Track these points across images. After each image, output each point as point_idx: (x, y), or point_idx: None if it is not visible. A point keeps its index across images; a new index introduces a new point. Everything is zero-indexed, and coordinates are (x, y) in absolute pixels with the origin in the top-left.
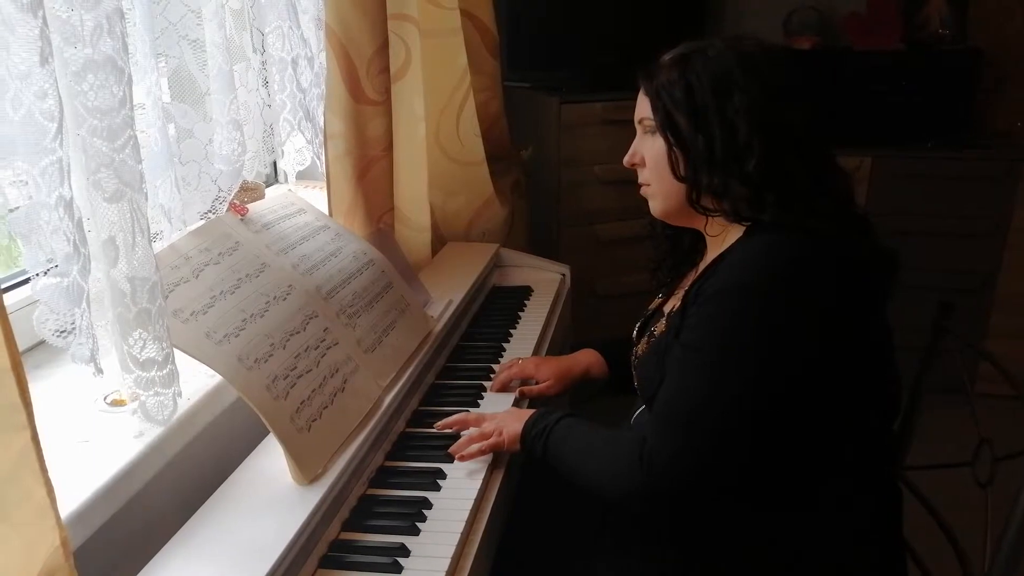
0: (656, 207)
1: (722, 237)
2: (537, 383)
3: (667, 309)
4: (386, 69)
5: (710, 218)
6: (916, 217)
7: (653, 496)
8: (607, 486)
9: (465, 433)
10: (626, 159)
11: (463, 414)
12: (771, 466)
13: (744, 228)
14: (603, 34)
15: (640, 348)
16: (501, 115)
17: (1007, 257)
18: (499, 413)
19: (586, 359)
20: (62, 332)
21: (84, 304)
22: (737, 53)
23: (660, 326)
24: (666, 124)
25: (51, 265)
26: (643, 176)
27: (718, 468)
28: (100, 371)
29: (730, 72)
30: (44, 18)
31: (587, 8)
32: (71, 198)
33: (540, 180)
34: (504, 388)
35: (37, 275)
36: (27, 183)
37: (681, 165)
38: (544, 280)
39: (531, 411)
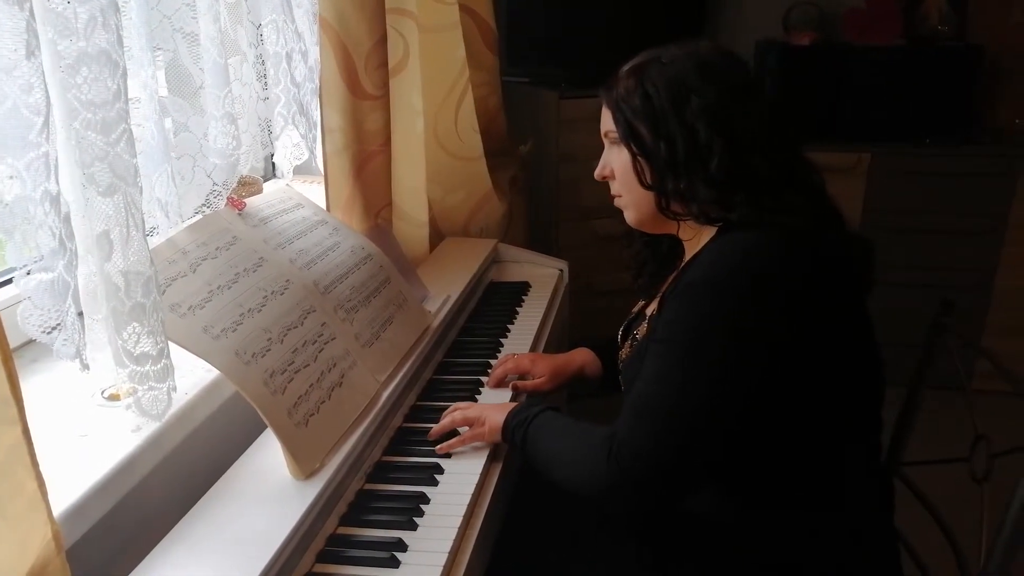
0: (630, 217)
1: (697, 240)
2: (533, 379)
3: (649, 312)
4: (384, 64)
5: (682, 222)
6: (914, 214)
7: (617, 488)
8: (577, 479)
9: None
10: (596, 172)
11: (450, 411)
12: (758, 462)
13: (716, 229)
14: (602, 29)
15: (624, 351)
16: (500, 110)
17: (1005, 254)
18: (486, 404)
19: (581, 358)
20: (48, 328)
21: (70, 300)
22: (692, 58)
23: (642, 329)
24: (628, 134)
25: (36, 260)
26: (614, 188)
27: (685, 463)
28: (86, 367)
29: (686, 77)
30: (31, 10)
31: (586, 3)
32: (57, 193)
33: (539, 176)
34: (500, 384)
35: (21, 270)
36: (12, 178)
37: (647, 173)
38: (542, 275)
39: (516, 403)
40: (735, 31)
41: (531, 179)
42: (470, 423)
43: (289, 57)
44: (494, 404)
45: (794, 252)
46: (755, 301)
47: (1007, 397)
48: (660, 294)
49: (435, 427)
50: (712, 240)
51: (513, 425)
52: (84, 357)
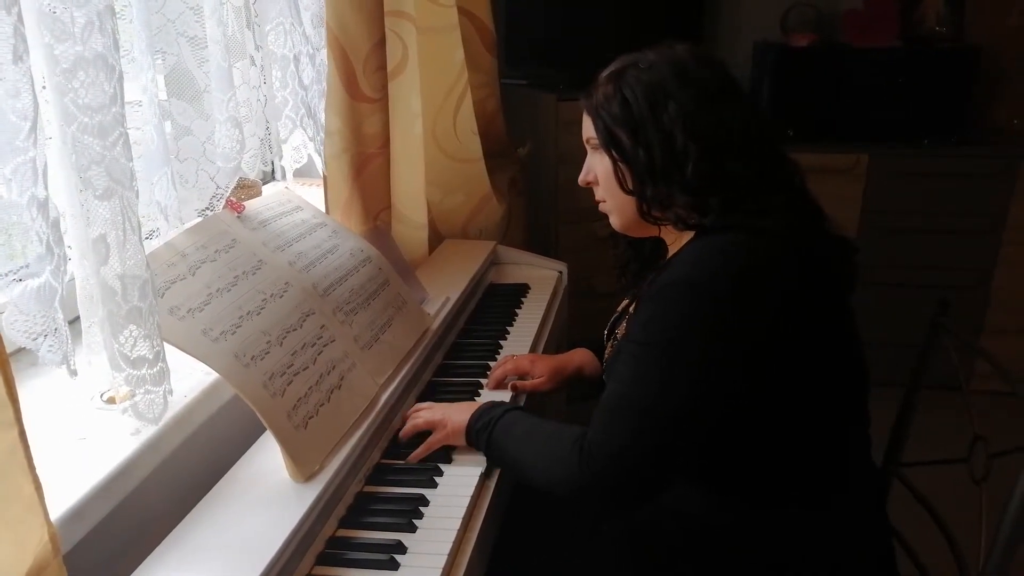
0: (615, 222)
1: (678, 242)
2: (532, 379)
3: (632, 311)
4: (383, 66)
5: (664, 226)
6: (912, 214)
7: (589, 489)
8: (545, 478)
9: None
10: (580, 178)
11: (412, 413)
12: (749, 462)
13: (695, 232)
14: (601, 31)
15: (607, 351)
16: (498, 112)
17: (1003, 254)
18: (448, 404)
19: (579, 358)
20: (34, 334)
21: (57, 305)
22: (669, 62)
23: (623, 328)
24: (608, 141)
25: (23, 266)
26: (598, 193)
27: (660, 463)
28: (74, 373)
29: (663, 81)
30: (19, 15)
31: (585, 5)
32: (45, 198)
33: (537, 177)
34: (500, 385)
35: (6, 276)
36: None
37: (628, 179)
38: (541, 277)
39: (479, 404)
40: (733, 32)
41: (530, 181)
42: (433, 426)
43: (297, 60)
44: (456, 404)
45: (771, 253)
46: (731, 302)
47: (1005, 397)
48: (639, 295)
49: (401, 432)
50: (688, 243)
51: (477, 428)
52: (72, 363)
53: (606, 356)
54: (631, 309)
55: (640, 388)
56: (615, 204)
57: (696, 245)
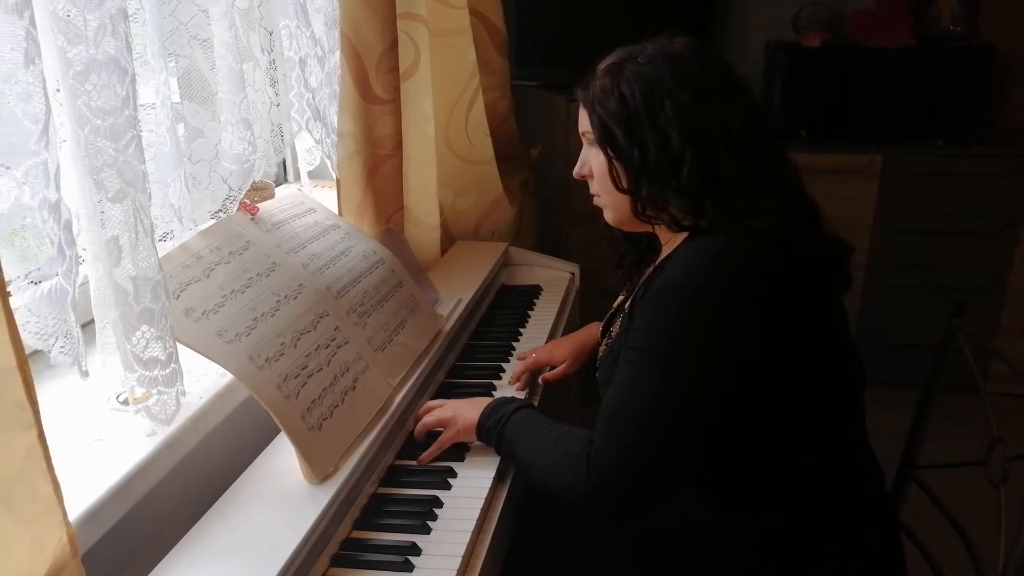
0: (609, 217)
1: (673, 241)
2: (554, 367)
3: (627, 309)
4: (395, 68)
5: (657, 225)
6: (927, 214)
7: (598, 497)
8: (556, 485)
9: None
10: (575, 171)
11: (423, 412)
12: (749, 467)
13: (690, 233)
14: (610, 32)
15: (602, 349)
16: (510, 114)
17: (1018, 254)
18: (459, 401)
19: (596, 330)
20: (46, 335)
21: (69, 307)
22: (668, 58)
23: (618, 325)
24: (604, 137)
25: (35, 268)
26: (593, 187)
27: (664, 471)
28: (86, 374)
29: (661, 78)
30: (31, 18)
31: (595, 6)
32: (57, 200)
33: (549, 179)
34: (525, 383)
35: (19, 278)
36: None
37: (623, 178)
38: (553, 279)
39: (489, 400)
40: (744, 32)
41: (541, 182)
42: (444, 424)
43: (303, 62)
44: (466, 401)
45: (764, 255)
46: (729, 307)
47: (1022, 399)
48: (633, 293)
49: (415, 431)
50: (683, 243)
51: (488, 425)
52: (83, 364)
53: (600, 354)
54: (626, 306)
55: (640, 396)
56: (609, 200)
57: (691, 247)
